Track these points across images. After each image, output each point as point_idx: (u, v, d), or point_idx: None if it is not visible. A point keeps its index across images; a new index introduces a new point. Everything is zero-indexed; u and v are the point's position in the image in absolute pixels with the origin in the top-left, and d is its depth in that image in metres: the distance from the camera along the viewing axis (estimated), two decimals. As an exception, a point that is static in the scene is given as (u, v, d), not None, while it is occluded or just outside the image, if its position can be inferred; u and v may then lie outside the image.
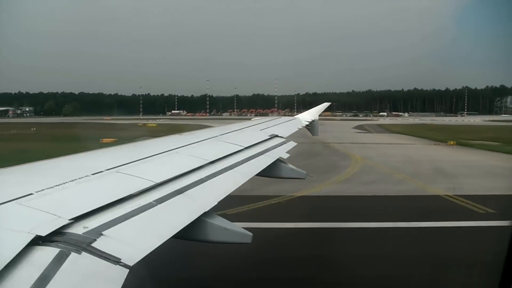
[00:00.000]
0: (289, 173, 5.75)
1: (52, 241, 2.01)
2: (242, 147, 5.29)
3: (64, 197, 2.61)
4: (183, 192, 3.21)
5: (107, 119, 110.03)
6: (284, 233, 12.32)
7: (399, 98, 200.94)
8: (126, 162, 3.57)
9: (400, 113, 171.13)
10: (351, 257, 10.38)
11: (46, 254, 1.90)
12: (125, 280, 1.93)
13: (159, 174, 3.42)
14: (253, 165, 4.71)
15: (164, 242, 2.41)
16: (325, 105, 14.19)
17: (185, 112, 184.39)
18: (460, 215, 14.23)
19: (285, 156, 5.87)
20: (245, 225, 3.58)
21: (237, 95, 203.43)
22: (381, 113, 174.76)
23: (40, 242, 1.97)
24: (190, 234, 2.87)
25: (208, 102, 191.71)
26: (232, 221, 3.21)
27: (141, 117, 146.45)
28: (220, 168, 4.11)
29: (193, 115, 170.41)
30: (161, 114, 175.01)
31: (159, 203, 2.87)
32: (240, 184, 3.94)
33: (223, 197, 3.39)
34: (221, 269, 9.13)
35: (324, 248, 11.07)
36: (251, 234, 3.23)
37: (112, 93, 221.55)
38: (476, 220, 13.48)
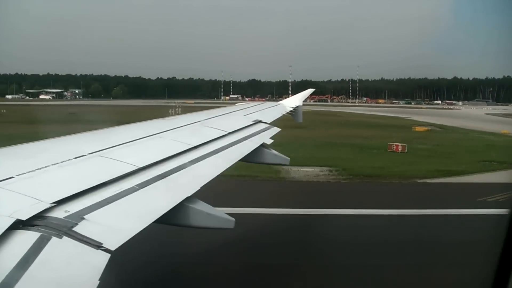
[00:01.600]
0: (273, 159, 5.78)
1: (33, 225, 2.00)
2: (226, 133, 5.29)
3: (45, 180, 2.59)
4: (166, 177, 3.21)
5: (190, 103, 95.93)
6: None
7: (442, 87, 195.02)
8: (109, 146, 3.55)
9: (454, 102, 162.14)
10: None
11: (26, 238, 1.90)
12: (107, 264, 1.94)
13: (142, 158, 3.41)
14: (236, 151, 4.72)
15: (146, 227, 2.42)
16: (309, 91, 14.22)
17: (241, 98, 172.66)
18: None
19: (269, 141, 5.89)
20: (228, 210, 3.60)
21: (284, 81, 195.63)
22: (435, 102, 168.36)
23: (21, 226, 1.96)
24: (173, 219, 2.87)
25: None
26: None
27: (216, 101, 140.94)
28: (204, 153, 4.11)
29: (252, 100, 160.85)
30: (215, 99, 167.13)
31: (142, 188, 2.87)
32: (223, 170, 3.95)
33: (206, 183, 3.40)
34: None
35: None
36: (233, 219, 3.26)
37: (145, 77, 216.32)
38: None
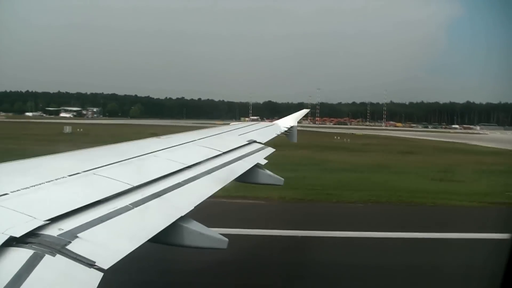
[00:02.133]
0: (267, 179, 5.80)
1: (27, 243, 2.00)
2: (220, 152, 5.32)
3: (39, 198, 2.59)
4: (160, 196, 3.22)
5: (218, 123, 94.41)
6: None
7: (456, 111, 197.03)
8: (104, 164, 3.56)
9: (471, 126, 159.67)
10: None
11: (19, 256, 1.90)
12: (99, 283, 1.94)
13: (137, 177, 3.43)
14: (230, 171, 4.75)
15: (139, 246, 2.43)
16: (304, 111, 14.33)
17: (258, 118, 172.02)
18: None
19: (263, 162, 5.92)
20: (222, 230, 3.61)
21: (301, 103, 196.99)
22: (453, 126, 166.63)
23: (14, 243, 1.96)
24: (166, 238, 2.88)
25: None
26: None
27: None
28: (198, 173, 4.13)
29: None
30: (233, 120, 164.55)
31: (136, 206, 2.87)
32: (218, 189, 3.97)
33: (200, 202, 3.41)
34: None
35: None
36: (227, 239, 3.27)
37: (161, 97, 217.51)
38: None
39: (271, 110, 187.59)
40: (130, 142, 5.40)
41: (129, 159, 4.01)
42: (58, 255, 2.00)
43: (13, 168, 3.30)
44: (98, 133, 57.46)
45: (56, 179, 2.92)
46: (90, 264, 2.03)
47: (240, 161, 5.32)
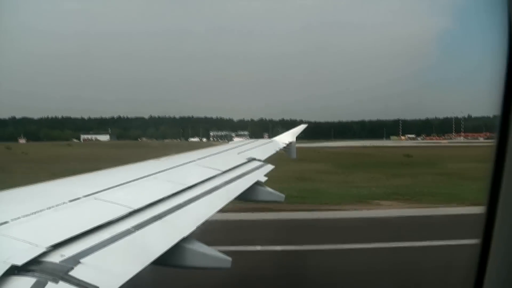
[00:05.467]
0: (268, 196, 5.80)
1: (29, 271, 1.98)
2: (220, 171, 5.32)
3: (40, 224, 2.58)
4: (161, 218, 3.21)
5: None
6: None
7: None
8: (104, 188, 3.56)
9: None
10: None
11: (22, 284, 1.88)
12: None
13: (137, 200, 3.42)
14: (231, 189, 4.75)
15: (142, 269, 2.41)
16: (302, 127, 14.41)
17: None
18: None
19: (263, 179, 5.93)
20: (224, 249, 3.58)
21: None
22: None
23: (16, 271, 1.95)
24: (169, 260, 2.86)
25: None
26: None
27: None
28: (198, 193, 4.13)
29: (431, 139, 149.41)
30: (384, 138, 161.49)
31: (137, 230, 2.86)
32: (219, 209, 3.96)
33: (201, 222, 3.40)
34: None
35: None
36: (230, 258, 3.25)
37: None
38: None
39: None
40: (129, 165, 5.40)
41: (129, 182, 4.01)
42: (61, 282, 1.98)
43: (12, 195, 3.30)
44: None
45: (56, 205, 2.92)
46: None
47: (240, 179, 5.32)
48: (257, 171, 6.16)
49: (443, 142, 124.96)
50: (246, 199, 5.34)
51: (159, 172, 4.67)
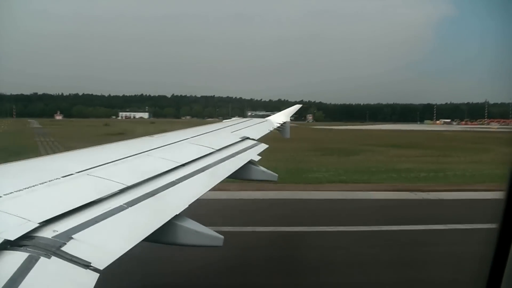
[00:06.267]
0: (261, 175, 5.83)
1: (21, 245, 2.00)
2: (214, 150, 5.32)
3: (33, 200, 2.58)
4: (154, 195, 3.22)
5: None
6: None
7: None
8: (97, 165, 3.55)
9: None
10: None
11: (14, 259, 1.89)
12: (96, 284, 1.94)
13: (130, 176, 3.42)
14: (224, 168, 4.75)
15: (134, 246, 2.43)
16: (297, 107, 14.37)
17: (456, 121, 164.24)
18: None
19: (257, 158, 5.94)
20: (217, 228, 3.62)
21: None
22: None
23: (9, 246, 1.96)
24: (161, 237, 2.88)
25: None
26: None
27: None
28: (192, 171, 4.13)
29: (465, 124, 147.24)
30: (418, 122, 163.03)
31: (130, 206, 2.87)
32: (212, 187, 3.98)
33: (194, 200, 3.42)
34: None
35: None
36: (222, 237, 3.28)
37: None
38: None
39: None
40: (123, 141, 5.38)
41: (122, 158, 4.00)
42: (53, 257, 2.00)
43: (5, 170, 3.28)
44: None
45: (49, 181, 2.91)
46: (86, 265, 2.03)
47: (233, 158, 5.33)
48: (250, 150, 6.16)
49: (482, 127, 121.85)
50: (239, 177, 5.37)
51: (153, 149, 4.66)
